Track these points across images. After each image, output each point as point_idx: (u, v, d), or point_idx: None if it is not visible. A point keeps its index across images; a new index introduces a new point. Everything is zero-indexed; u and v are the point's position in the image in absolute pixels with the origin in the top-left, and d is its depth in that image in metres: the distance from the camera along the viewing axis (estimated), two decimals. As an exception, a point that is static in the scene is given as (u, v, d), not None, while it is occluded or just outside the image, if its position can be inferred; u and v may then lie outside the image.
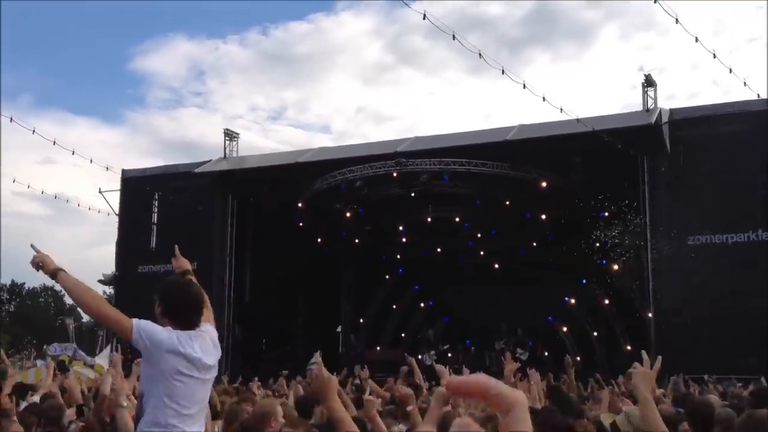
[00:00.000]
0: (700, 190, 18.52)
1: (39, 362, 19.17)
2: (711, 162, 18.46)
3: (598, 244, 22.97)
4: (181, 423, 4.06)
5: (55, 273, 4.06)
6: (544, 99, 15.94)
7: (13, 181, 23.31)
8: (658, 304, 19.15)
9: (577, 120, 17.50)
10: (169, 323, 4.12)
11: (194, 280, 4.62)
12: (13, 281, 67.50)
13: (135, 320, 4.02)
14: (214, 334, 4.36)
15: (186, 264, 4.75)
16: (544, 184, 20.54)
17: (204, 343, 4.19)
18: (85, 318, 64.34)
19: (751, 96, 16.27)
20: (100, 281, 30.67)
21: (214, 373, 4.30)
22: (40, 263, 4.09)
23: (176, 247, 4.81)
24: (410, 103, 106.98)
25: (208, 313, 4.47)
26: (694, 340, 17.97)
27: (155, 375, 4.08)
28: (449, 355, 25.26)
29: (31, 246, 4.24)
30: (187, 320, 4.17)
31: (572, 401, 8.00)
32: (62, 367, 8.64)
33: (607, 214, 21.66)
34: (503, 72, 14.93)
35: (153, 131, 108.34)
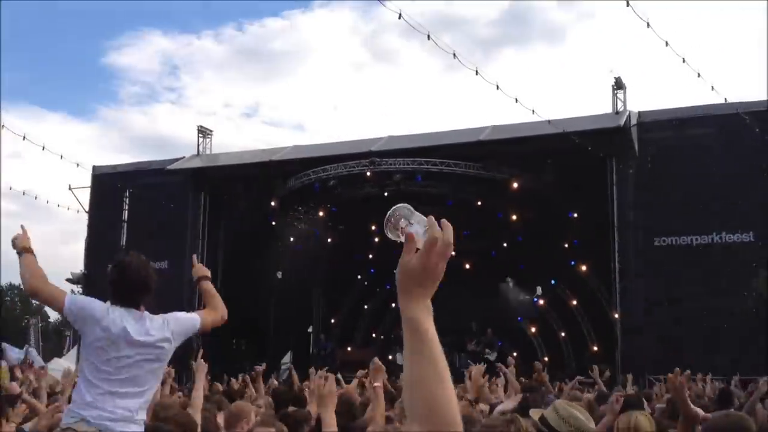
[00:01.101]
0: (667, 193, 18.83)
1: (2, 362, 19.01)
2: (678, 165, 18.80)
3: (566, 245, 23.28)
4: (105, 401, 4.05)
5: (21, 251, 4.23)
6: (516, 101, 16.17)
7: (-20, 177, 22.93)
8: (624, 304, 19.41)
9: (549, 122, 17.76)
10: (110, 298, 4.33)
11: (209, 285, 4.72)
12: (-22, 280, 66.58)
13: (68, 294, 4.29)
14: (175, 317, 4.59)
15: (202, 271, 5.01)
16: (515, 184, 20.76)
17: (144, 321, 4.34)
18: (52, 318, 63.70)
19: (719, 100, 16.60)
20: (68, 280, 30.38)
21: (155, 352, 4.35)
22: (15, 239, 4.20)
23: (194, 257, 5.02)
24: (385, 101, 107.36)
25: (209, 312, 4.64)
26: (659, 340, 18.30)
27: (84, 350, 4.25)
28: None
29: (21, 226, 4.32)
30: (126, 297, 4.35)
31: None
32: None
33: (576, 215, 21.96)
34: (477, 72, 15.14)
35: (125, 127, 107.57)
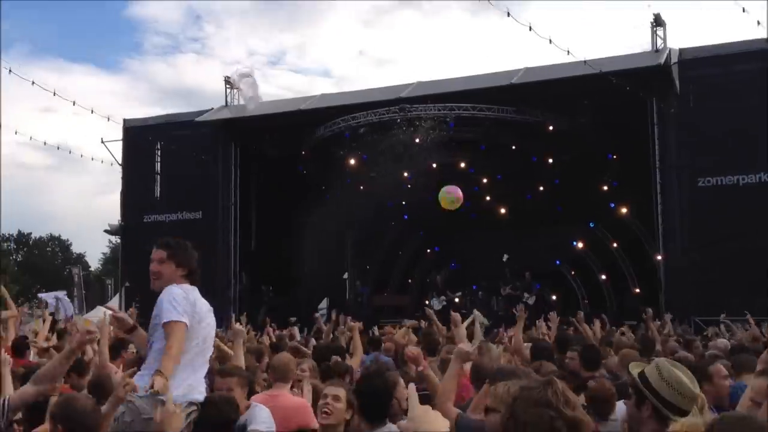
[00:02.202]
0: (710, 131, 18.15)
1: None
2: (722, 102, 18.02)
3: (606, 188, 22.75)
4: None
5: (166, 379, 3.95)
6: (550, 41, 15.50)
7: (15, 133, 23.04)
8: (668, 246, 19.00)
9: (584, 62, 17.09)
10: (185, 282, 4.50)
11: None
12: (19, 231, 67.86)
13: (184, 320, 4.20)
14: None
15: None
16: (550, 127, 20.22)
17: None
18: (93, 267, 64.85)
19: (764, 35, 15.80)
20: (106, 231, 30.70)
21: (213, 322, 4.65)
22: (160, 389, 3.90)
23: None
24: (412, 46, 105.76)
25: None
26: (703, 282, 17.89)
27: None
28: (456, 300, 25.24)
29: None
30: (197, 278, 4.61)
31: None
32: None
33: (615, 156, 21.38)
34: (508, 14, 14.49)
35: (152, 79, 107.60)
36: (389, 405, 4.53)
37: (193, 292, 4.43)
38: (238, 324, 6.02)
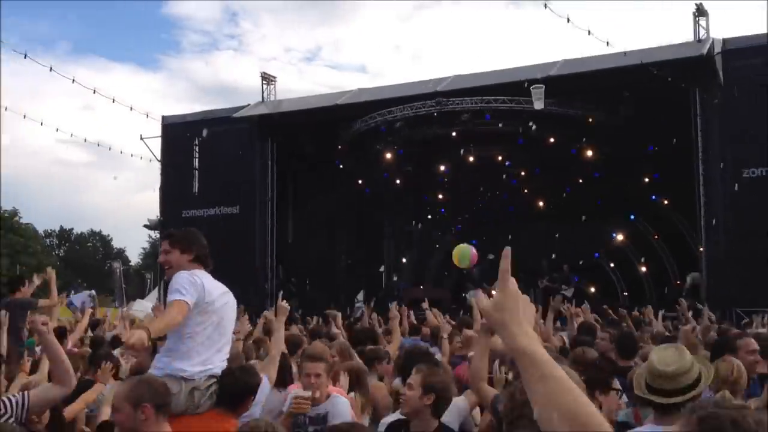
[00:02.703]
0: (754, 122, 17.73)
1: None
2: (766, 92, 17.64)
3: (647, 180, 22.44)
4: (180, 353, 4.40)
5: (149, 335, 3.92)
6: (589, 32, 15.33)
7: (57, 130, 23.35)
8: (710, 238, 18.68)
9: (624, 53, 16.85)
10: (196, 267, 4.57)
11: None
12: (61, 227, 69.09)
13: (187, 301, 4.21)
14: None
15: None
16: (590, 120, 19.97)
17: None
18: (133, 261, 65.74)
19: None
20: (145, 226, 31.08)
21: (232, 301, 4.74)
22: (133, 345, 3.85)
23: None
24: (448, 39, 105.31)
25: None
26: (745, 274, 17.53)
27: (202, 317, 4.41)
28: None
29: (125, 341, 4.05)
30: (208, 263, 4.70)
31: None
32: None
33: (656, 148, 21.06)
34: (545, 6, 14.33)
35: (189, 76, 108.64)
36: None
37: (201, 273, 4.51)
38: (284, 301, 6.01)
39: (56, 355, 4.35)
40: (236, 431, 4.14)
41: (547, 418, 1.64)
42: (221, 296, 4.56)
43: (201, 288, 4.35)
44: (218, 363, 4.46)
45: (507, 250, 1.88)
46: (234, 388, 4.40)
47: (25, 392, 4.36)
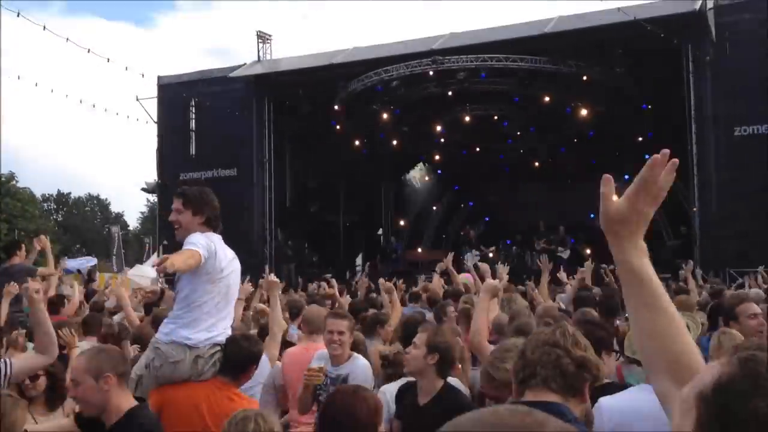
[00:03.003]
0: (747, 79, 17.73)
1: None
2: (758, 48, 17.61)
3: (641, 138, 22.49)
4: (185, 321, 4.41)
5: (175, 269, 4.01)
6: (584, -13, 15.29)
7: (51, 91, 23.20)
8: (703, 198, 18.76)
9: (618, 9, 16.84)
10: (206, 230, 4.48)
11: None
12: (59, 191, 68.97)
13: (201, 250, 4.19)
14: None
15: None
16: (584, 77, 19.98)
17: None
18: (132, 226, 65.83)
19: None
20: (143, 189, 31.14)
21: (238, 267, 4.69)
22: (165, 269, 3.93)
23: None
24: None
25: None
26: (738, 233, 17.63)
27: (194, 279, 4.37)
28: (491, 255, 25.28)
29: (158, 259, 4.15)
30: (218, 225, 4.60)
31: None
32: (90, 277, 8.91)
33: (650, 106, 21.10)
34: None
35: (185, 35, 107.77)
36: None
37: (214, 237, 4.45)
38: (272, 275, 6.03)
39: (42, 323, 4.37)
40: (238, 399, 4.33)
41: (648, 350, 1.60)
42: (230, 263, 4.55)
43: (215, 253, 4.34)
44: (222, 331, 4.48)
45: (607, 177, 1.77)
46: (238, 356, 4.42)
47: (8, 359, 4.41)
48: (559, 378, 2.56)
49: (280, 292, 7.29)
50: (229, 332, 4.54)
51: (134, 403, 3.73)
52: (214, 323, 4.41)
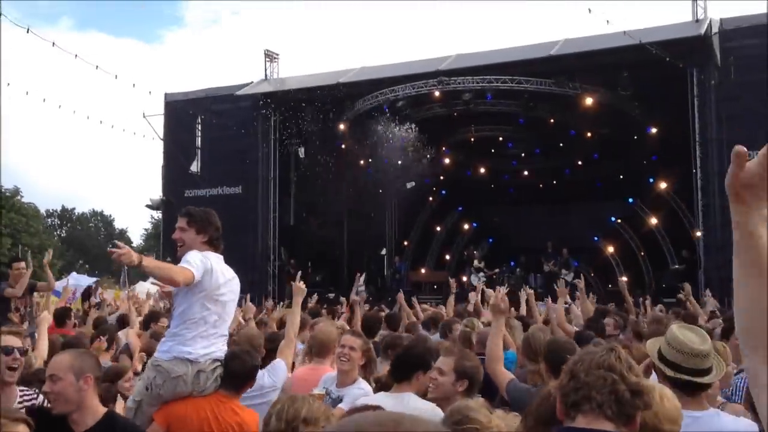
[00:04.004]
0: (752, 104, 17.79)
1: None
2: (763, 73, 17.68)
3: (645, 162, 22.53)
4: (185, 337, 4.46)
5: (139, 262, 4.14)
6: (589, 11, 15.42)
7: (59, 107, 23.32)
8: (707, 222, 18.77)
9: (624, 32, 16.94)
10: (208, 249, 4.62)
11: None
12: (63, 206, 69.13)
13: (194, 271, 4.32)
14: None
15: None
16: (589, 100, 20.08)
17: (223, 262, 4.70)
18: (135, 243, 65.80)
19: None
20: (147, 206, 31.14)
21: (236, 287, 4.79)
22: (121, 257, 4.06)
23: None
24: (451, 19, 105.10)
25: None
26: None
27: (191, 295, 4.47)
28: (494, 276, 25.26)
29: (113, 243, 4.26)
30: (220, 245, 4.75)
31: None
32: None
33: (654, 130, 21.18)
34: (548, -17, 14.39)
35: (193, 53, 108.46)
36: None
37: (213, 256, 4.57)
38: (301, 282, 6.05)
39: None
40: (240, 412, 4.48)
41: (752, 323, 1.50)
42: (228, 283, 4.65)
43: (210, 271, 4.45)
44: (221, 347, 4.59)
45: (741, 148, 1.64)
46: (242, 370, 4.56)
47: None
48: (614, 405, 2.44)
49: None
50: (225, 348, 4.64)
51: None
52: (212, 340, 4.50)
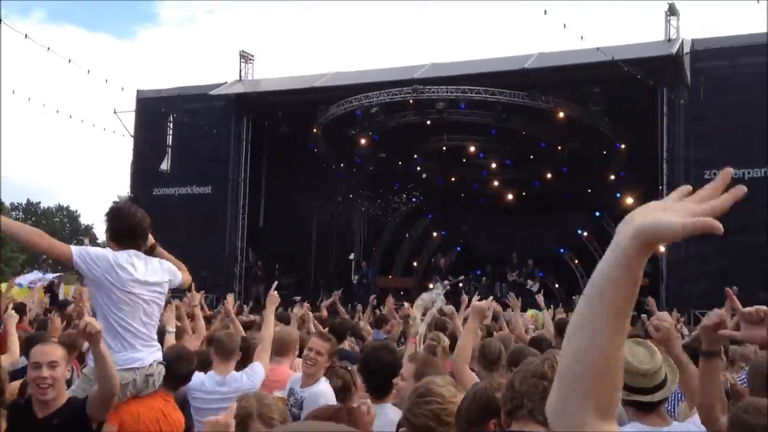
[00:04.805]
0: (719, 124, 18.14)
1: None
2: (731, 94, 18.04)
3: (613, 177, 22.82)
4: (122, 344, 4.30)
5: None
6: (564, 26, 15.64)
7: (29, 100, 23.04)
8: (670, 239, 19.00)
9: (597, 49, 17.18)
10: (116, 247, 4.41)
11: (164, 252, 4.87)
12: (28, 200, 68.22)
13: (74, 246, 4.32)
14: (169, 265, 4.66)
15: (150, 241, 4.83)
16: (561, 114, 20.31)
17: (149, 262, 4.46)
18: (101, 238, 65.10)
19: (773, 28, 15.81)
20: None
21: (160, 290, 4.52)
22: None
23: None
24: (427, 27, 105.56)
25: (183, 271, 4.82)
26: (705, 275, 17.90)
27: (99, 296, 4.33)
28: (460, 285, 25.39)
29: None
30: (131, 243, 4.45)
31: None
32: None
33: (623, 146, 21.47)
34: (524, -3, 14.58)
35: (167, 50, 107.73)
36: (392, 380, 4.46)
37: (120, 255, 4.36)
38: (275, 292, 6.15)
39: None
40: (179, 409, 4.72)
41: (592, 373, 1.30)
42: (146, 286, 4.44)
43: (92, 262, 4.28)
44: (157, 347, 4.52)
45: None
46: (187, 369, 4.84)
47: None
48: (545, 410, 2.55)
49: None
50: (160, 349, 4.60)
51: None
52: (148, 341, 4.41)
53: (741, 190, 1.32)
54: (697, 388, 3.51)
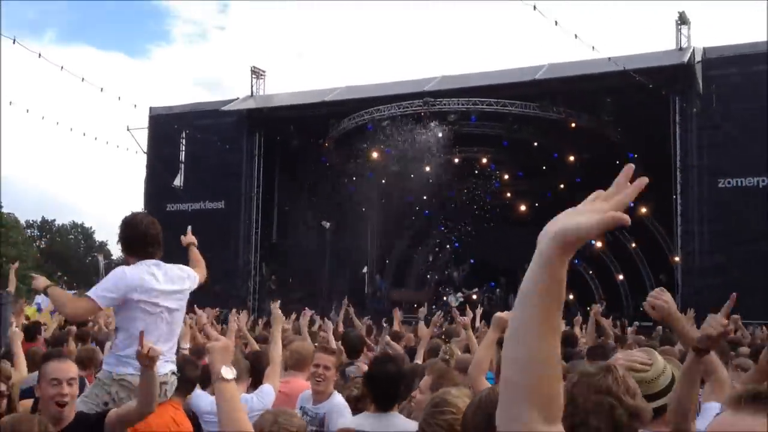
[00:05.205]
0: (731, 132, 18.06)
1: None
2: (744, 102, 17.96)
3: (626, 187, 22.69)
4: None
5: (45, 289, 4.41)
6: (575, 37, 15.63)
7: (42, 118, 23.21)
8: (686, 247, 18.93)
9: (609, 59, 17.15)
10: (132, 259, 4.48)
11: (197, 252, 5.07)
12: (43, 218, 68.50)
13: (89, 293, 4.30)
14: (188, 270, 4.72)
15: (190, 238, 5.16)
16: (573, 124, 20.27)
17: (168, 270, 4.50)
18: (115, 255, 65.36)
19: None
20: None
21: (181, 297, 4.57)
22: (35, 283, 4.47)
23: (189, 228, 5.27)
24: (438, 40, 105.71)
25: (200, 273, 4.84)
26: (720, 284, 17.73)
27: (122, 312, 4.40)
28: (474, 297, 25.32)
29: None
30: (144, 252, 4.48)
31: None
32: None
33: (636, 155, 21.38)
34: (534, 8, 14.60)
35: (179, 67, 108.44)
36: (399, 392, 4.44)
37: (137, 268, 4.40)
38: (278, 310, 6.13)
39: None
40: (187, 417, 4.73)
41: (535, 379, 1.34)
42: (170, 295, 4.49)
43: (123, 289, 4.30)
44: (172, 357, 4.55)
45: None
46: (195, 377, 4.90)
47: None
48: (611, 430, 2.40)
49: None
50: (174, 360, 4.62)
51: None
52: (166, 352, 4.41)
53: (642, 180, 1.42)
54: (675, 390, 3.30)
